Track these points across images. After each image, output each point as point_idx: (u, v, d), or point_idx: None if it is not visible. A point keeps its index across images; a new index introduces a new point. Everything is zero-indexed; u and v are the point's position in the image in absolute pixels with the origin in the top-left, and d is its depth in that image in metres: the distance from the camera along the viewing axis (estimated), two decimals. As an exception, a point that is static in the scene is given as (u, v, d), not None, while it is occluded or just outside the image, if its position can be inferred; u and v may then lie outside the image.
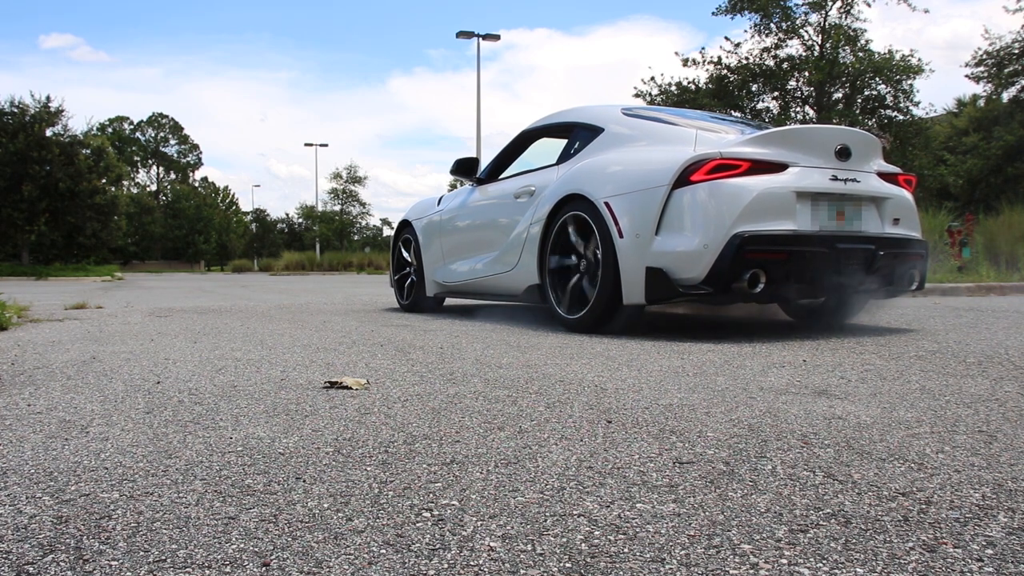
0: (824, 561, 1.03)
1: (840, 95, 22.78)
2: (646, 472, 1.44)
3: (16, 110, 27.53)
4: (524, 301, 4.73)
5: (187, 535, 1.14)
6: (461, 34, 24.64)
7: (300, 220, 52.36)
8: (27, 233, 27.91)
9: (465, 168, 5.45)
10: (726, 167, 3.63)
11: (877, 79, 21.52)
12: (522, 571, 1.01)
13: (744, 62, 22.83)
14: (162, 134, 73.58)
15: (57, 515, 1.23)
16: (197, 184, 73.00)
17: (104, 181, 29.86)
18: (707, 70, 23.11)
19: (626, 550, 1.07)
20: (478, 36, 24.90)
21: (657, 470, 1.46)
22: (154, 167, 73.67)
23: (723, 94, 22.57)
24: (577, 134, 4.61)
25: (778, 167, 3.69)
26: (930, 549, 1.07)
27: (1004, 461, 1.51)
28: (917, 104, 21.61)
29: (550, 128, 5.11)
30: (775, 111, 23.00)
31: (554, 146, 4.94)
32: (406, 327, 4.53)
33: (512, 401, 2.15)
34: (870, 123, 21.52)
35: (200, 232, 63.88)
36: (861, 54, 21.58)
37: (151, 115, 73.17)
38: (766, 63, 22.68)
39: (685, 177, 3.66)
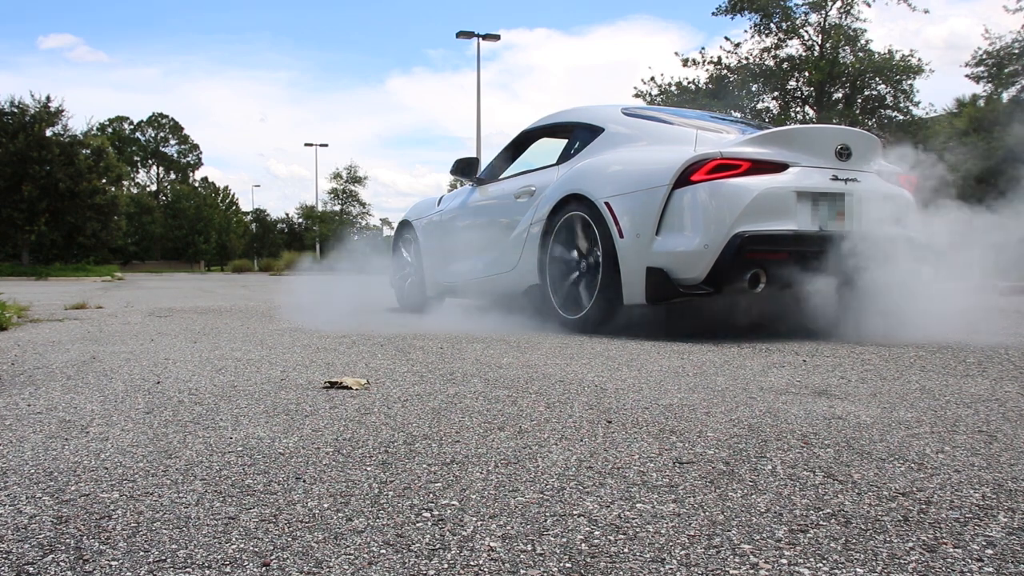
0: (824, 561, 1.03)
1: (840, 95, 22.79)
2: (646, 472, 1.44)
3: (16, 110, 27.54)
4: (524, 301, 4.73)
5: (187, 535, 1.14)
6: (461, 34, 24.62)
7: (300, 220, 52.33)
8: (27, 233, 27.91)
9: (465, 168, 5.45)
10: (726, 167, 3.63)
11: (877, 79, 21.53)
12: (522, 571, 1.01)
13: (744, 62, 22.85)
14: (162, 134, 73.52)
15: (57, 515, 1.23)
16: (197, 184, 72.91)
17: (104, 181, 29.87)
18: (707, 70, 23.15)
19: (626, 550, 1.07)
20: (478, 36, 24.88)
21: (657, 470, 1.46)
22: (154, 167, 73.61)
23: (723, 94, 22.58)
24: (577, 134, 4.60)
25: (778, 167, 3.69)
26: (930, 549, 1.07)
27: (1004, 461, 1.51)
28: (917, 104, 21.63)
29: (550, 128, 5.11)
30: (775, 111, 23.01)
31: (554, 146, 4.94)
32: (406, 327, 4.52)
33: (512, 401, 2.15)
34: (870, 123, 21.53)
35: (200, 232, 63.83)
36: (861, 54, 21.60)
37: (151, 115, 73.13)
38: (766, 63, 22.69)
39: (685, 177, 3.66)
